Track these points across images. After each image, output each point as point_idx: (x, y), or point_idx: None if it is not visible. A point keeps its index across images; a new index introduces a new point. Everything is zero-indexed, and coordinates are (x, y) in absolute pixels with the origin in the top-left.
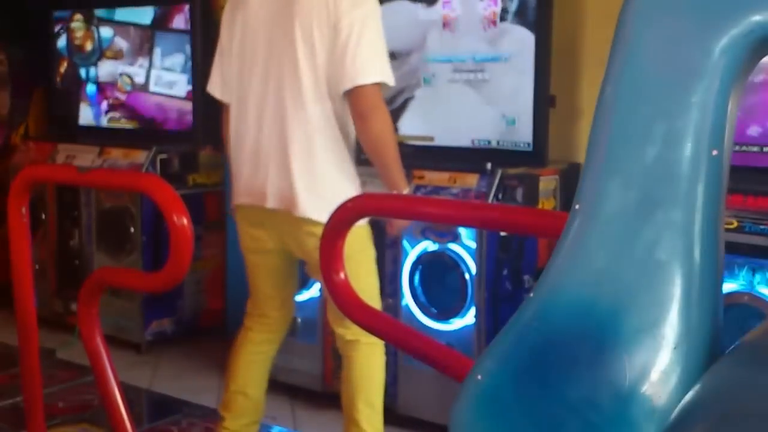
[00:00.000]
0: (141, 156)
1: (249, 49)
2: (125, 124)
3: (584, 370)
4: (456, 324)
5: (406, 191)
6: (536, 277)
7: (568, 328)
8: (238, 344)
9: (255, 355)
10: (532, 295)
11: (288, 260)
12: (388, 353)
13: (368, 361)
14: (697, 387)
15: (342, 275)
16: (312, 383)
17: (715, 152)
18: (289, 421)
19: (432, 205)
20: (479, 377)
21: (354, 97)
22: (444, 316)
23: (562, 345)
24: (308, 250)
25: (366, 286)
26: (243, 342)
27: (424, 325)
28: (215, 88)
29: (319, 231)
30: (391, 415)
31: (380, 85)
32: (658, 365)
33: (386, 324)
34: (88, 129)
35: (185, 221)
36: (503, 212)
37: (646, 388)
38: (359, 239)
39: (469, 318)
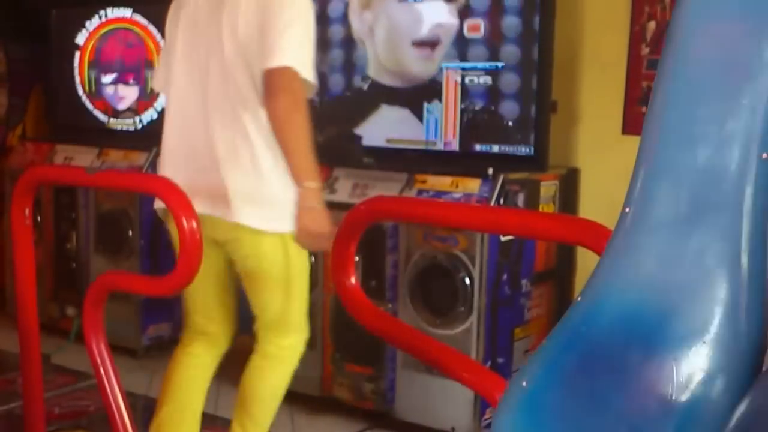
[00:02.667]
0: (140, 158)
1: (190, 48)
2: (124, 125)
3: (631, 376)
4: (455, 329)
5: (313, 185)
6: (534, 282)
7: (616, 333)
8: (176, 359)
9: (196, 369)
10: (579, 299)
11: (228, 273)
12: (387, 357)
13: (277, 381)
14: (751, 398)
15: (353, 280)
16: (310, 388)
17: (765, 155)
18: (287, 427)
19: (447, 209)
20: (524, 383)
21: (267, 76)
22: (443, 321)
23: (609, 350)
24: (247, 263)
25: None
26: (183, 356)
27: (423, 331)
28: (159, 84)
29: (248, 237)
30: (389, 420)
31: (297, 76)
32: (706, 371)
33: (398, 329)
34: (87, 130)
35: (195, 224)
36: (519, 217)
37: (694, 394)
38: (290, 245)
39: (468, 323)
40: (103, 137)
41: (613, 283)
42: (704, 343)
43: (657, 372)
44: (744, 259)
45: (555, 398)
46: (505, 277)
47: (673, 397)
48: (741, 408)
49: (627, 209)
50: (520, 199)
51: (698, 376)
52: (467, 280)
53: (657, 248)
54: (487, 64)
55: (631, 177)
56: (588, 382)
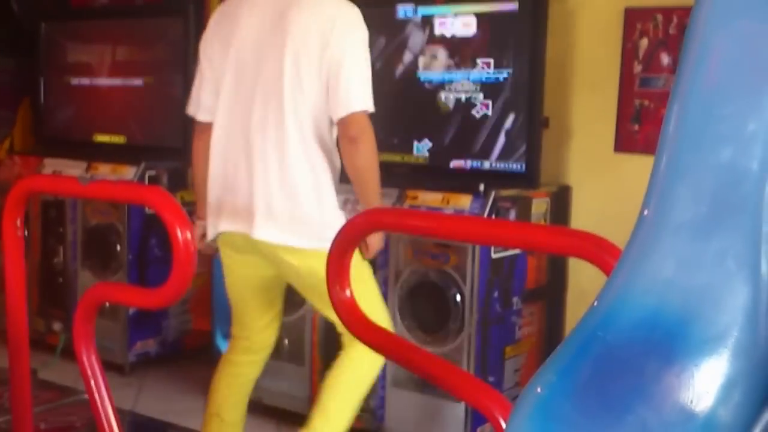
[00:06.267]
0: (129, 172)
1: (241, 71)
2: (113, 139)
3: (650, 382)
4: (445, 347)
5: None
6: (525, 300)
7: (634, 339)
8: (219, 365)
9: (234, 378)
10: (596, 303)
11: (276, 283)
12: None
13: (361, 364)
14: None
15: (348, 293)
16: (298, 406)
17: None
18: None
19: (443, 220)
20: (539, 390)
21: (346, 122)
22: (433, 338)
23: (627, 356)
24: (292, 278)
25: (370, 303)
26: (224, 363)
27: None
28: (197, 109)
29: (296, 259)
30: None
31: (367, 116)
32: (726, 378)
33: (393, 343)
34: (75, 143)
35: (189, 235)
36: (515, 229)
37: (713, 402)
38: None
39: (458, 341)
40: (91, 151)
41: (631, 286)
42: (726, 348)
43: (676, 378)
44: (765, 263)
45: (570, 405)
46: (496, 294)
47: (693, 404)
48: (765, 417)
49: (645, 212)
50: (512, 216)
51: (719, 383)
52: (458, 297)
53: (676, 251)
54: (479, 79)
55: (650, 179)
56: (605, 389)
